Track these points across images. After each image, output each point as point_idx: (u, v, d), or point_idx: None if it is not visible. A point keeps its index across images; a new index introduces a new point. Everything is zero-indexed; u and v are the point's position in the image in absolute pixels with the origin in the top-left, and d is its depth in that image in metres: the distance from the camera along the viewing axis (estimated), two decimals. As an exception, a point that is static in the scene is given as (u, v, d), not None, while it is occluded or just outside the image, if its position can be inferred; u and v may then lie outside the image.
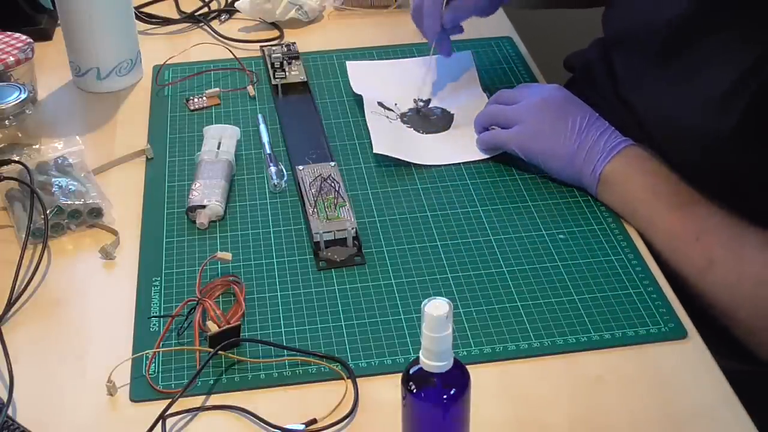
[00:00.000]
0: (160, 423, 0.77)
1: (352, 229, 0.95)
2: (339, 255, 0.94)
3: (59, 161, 1.03)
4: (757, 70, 0.90)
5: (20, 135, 1.07)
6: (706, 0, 0.95)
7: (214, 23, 1.38)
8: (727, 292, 0.89)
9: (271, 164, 1.06)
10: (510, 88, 1.10)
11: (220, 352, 0.82)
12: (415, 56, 1.28)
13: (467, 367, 0.67)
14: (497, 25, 1.35)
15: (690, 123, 0.96)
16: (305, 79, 1.22)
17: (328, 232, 0.95)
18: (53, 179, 1.00)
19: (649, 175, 0.96)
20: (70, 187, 1.00)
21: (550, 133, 1.01)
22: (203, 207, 0.99)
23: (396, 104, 1.17)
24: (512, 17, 1.39)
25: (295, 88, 1.22)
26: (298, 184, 1.03)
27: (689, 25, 0.97)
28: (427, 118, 1.15)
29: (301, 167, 1.04)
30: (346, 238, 0.95)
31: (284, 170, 1.05)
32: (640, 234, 0.96)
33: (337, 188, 1.00)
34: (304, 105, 1.19)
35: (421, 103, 1.18)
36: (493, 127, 1.08)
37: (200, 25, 1.38)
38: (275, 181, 1.04)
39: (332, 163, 1.05)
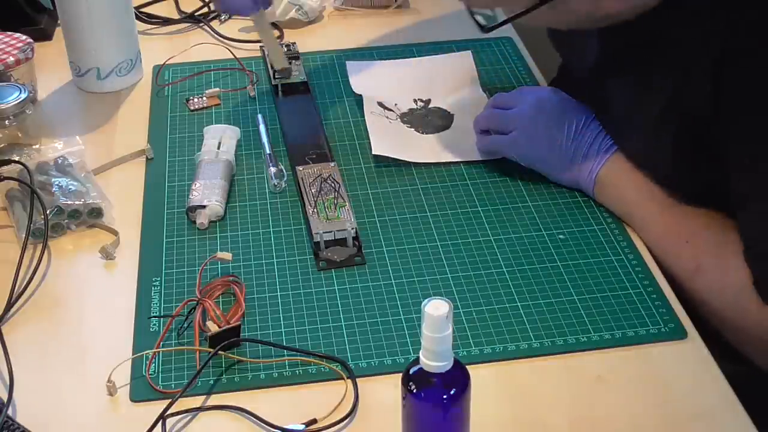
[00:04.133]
0: (160, 423, 0.77)
1: (352, 229, 0.95)
2: (339, 255, 0.94)
3: (59, 161, 1.03)
4: (674, 106, 0.89)
5: (20, 135, 1.07)
6: (609, 49, 0.98)
7: (214, 23, 1.38)
8: (714, 296, 0.88)
9: (271, 164, 1.06)
10: (507, 92, 1.10)
11: (220, 352, 0.82)
12: (415, 56, 1.28)
13: (467, 367, 0.67)
14: (497, 25, 1.35)
15: (637, 144, 0.97)
16: (305, 79, 1.22)
17: (328, 232, 0.95)
18: (53, 179, 1.00)
19: (643, 176, 0.96)
20: (70, 187, 1.00)
21: (546, 138, 1.00)
22: (203, 207, 0.99)
23: (396, 104, 1.17)
24: (512, 18, 1.38)
25: (295, 88, 1.21)
26: (298, 184, 1.03)
27: (603, 70, 1.00)
28: (427, 118, 1.15)
29: (301, 167, 1.04)
30: (346, 238, 0.95)
31: (284, 170, 1.05)
32: (637, 234, 0.96)
33: (337, 188, 1.00)
34: (304, 105, 1.19)
35: (421, 103, 1.18)
36: (492, 131, 1.08)
37: (200, 25, 1.38)
38: (275, 181, 1.04)
39: (332, 163, 1.05)
